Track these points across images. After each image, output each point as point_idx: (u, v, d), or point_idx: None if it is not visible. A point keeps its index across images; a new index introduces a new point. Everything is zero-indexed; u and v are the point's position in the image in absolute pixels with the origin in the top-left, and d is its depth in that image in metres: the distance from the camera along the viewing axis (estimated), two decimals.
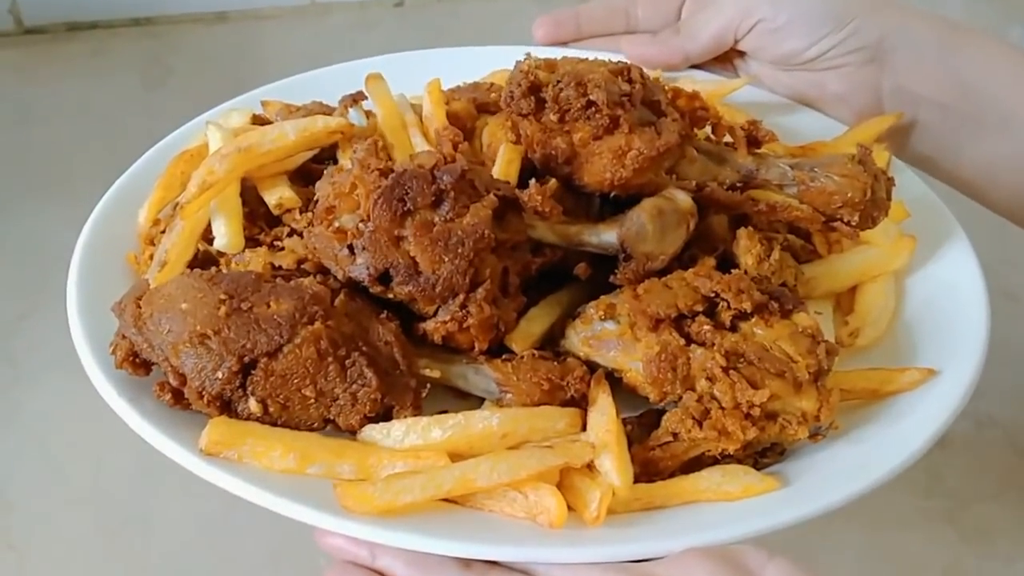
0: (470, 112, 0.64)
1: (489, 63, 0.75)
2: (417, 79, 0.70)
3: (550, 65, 0.59)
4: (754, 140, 0.59)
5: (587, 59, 0.60)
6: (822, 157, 0.58)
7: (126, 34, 1.16)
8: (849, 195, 0.56)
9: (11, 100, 1.06)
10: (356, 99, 0.64)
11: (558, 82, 0.56)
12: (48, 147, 1.01)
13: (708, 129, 0.61)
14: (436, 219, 0.52)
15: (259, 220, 0.60)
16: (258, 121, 0.69)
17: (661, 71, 0.74)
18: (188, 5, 1.16)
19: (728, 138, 0.61)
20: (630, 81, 0.56)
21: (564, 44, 0.80)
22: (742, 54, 0.74)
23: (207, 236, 0.59)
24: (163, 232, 0.61)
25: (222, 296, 0.51)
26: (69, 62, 1.12)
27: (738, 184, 0.58)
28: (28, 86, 1.08)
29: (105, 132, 1.02)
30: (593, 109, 0.55)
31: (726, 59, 0.76)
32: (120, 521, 0.67)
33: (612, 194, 0.57)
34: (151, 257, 0.60)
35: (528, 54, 0.69)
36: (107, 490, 0.69)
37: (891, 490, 0.63)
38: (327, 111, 0.68)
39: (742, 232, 0.57)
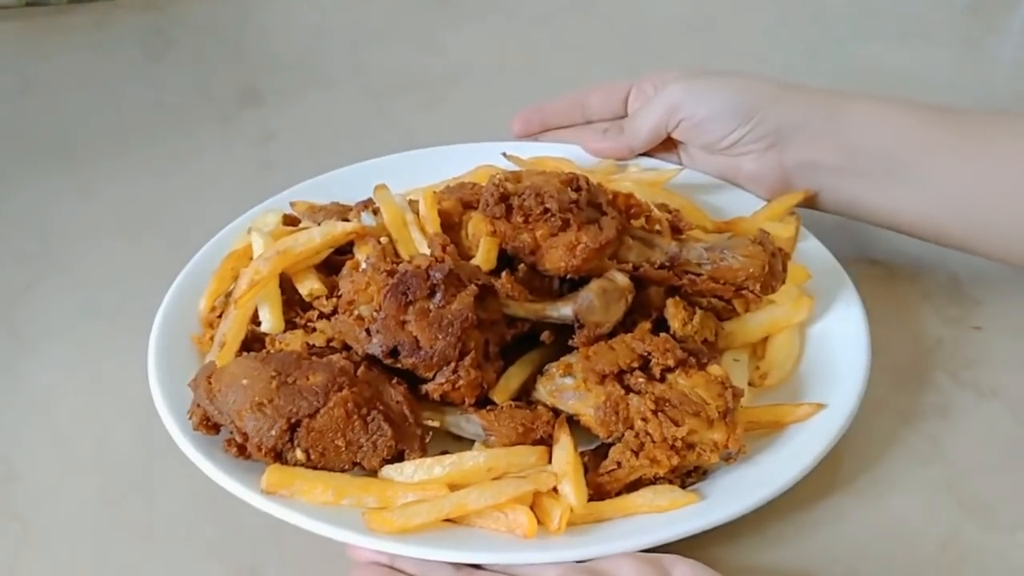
0: (457, 209, 0.79)
1: (472, 159, 0.90)
2: (413, 175, 0.87)
3: (516, 177, 0.75)
4: (676, 228, 0.75)
5: (545, 172, 0.76)
6: (730, 240, 0.74)
7: (129, 6, 1.17)
8: (751, 270, 0.72)
9: (14, 71, 1.07)
10: (367, 204, 0.80)
11: (522, 194, 0.72)
12: (51, 118, 1.01)
13: (643, 220, 0.77)
14: (431, 306, 0.66)
15: (295, 306, 0.75)
16: (288, 220, 0.84)
17: (614, 161, 0.91)
18: None
19: (657, 227, 0.76)
20: (578, 189, 0.72)
21: (535, 136, 0.96)
22: (680, 141, 0.90)
23: (255, 320, 0.74)
24: (219, 317, 0.75)
25: (272, 373, 0.66)
26: (72, 34, 1.11)
27: (666, 264, 0.73)
28: (31, 58, 1.08)
29: (108, 103, 1.04)
30: (549, 214, 0.71)
31: (670, 145, 0.91)
32: (124, 490, 0.69)
33: (567, 277, 0.73)
34: (211, 338, 0.74)
35: (503, 153, 0.87)
36: (110, 460, 0.71)
37: (890, 460, 0.70)
38: (343, 210, 0.84)
39: (670, 301, 0.73)
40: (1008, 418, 0.75)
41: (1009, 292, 0.83)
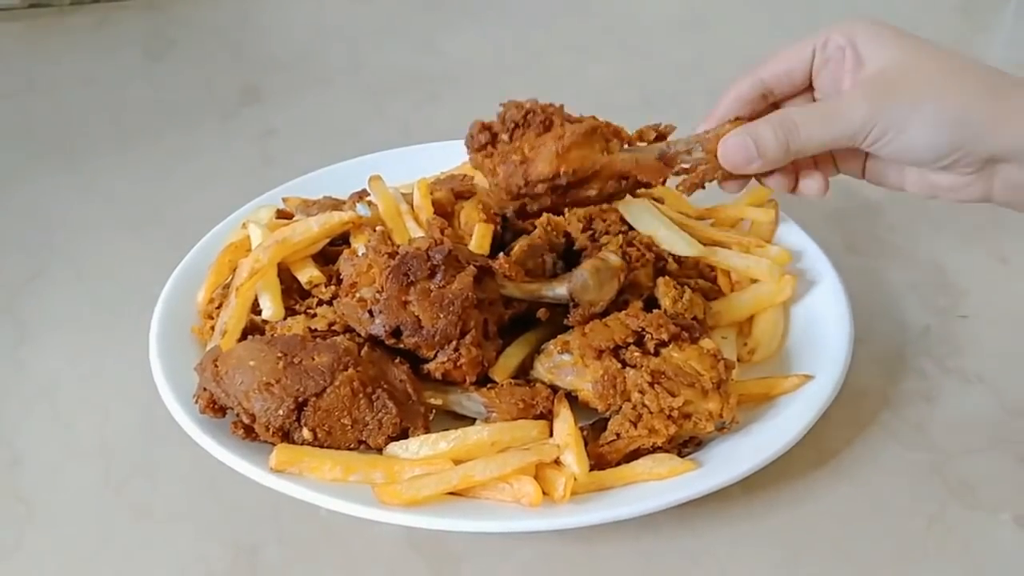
0: (450, 199, 0.82)
1: (461, 154, 0.92)
2: (404, 170, 0.89)
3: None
4: (660, 136, 0.72)
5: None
6: (709, 132, 0.70)
7: (129, 7, 1.21)
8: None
9: (18, 71, 1.11)
10: (362, 196, 0.82)
11: (503, 114, 0.69)
12: (54, 116, 1.05)
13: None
14: (432, 287, 0.68)
15: (294, 294, 0.77)
16: (282, 214, 0.86)
17: None
18: None
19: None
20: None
21: None
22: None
23: (255, 309, 0.76)
24: (218, 308, 0.77)
25: (279, 354, 0.67)
26: (73, 35, 1.15)
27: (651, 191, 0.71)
28: (34, 58, 1.12)
29: (108, 102, 1.07)
30: (531, 114, 0.68)
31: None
32: (126, 473, 0.71)
33: (563, 250, 0.74)
34: (211, 328, 0.76)
35: None
36: (112, 444, 0.73)
37: (876, 442, 0.72)
38: (336, 203, 0.85)
39: (661, 280, 0.76)
40: (993, 403, 0.77)
41: (995, 282, 0.85)
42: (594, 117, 0.70)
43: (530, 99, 0.70)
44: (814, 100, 0.71)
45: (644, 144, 0.72)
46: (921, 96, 0.64)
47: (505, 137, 0.69)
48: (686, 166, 0.71)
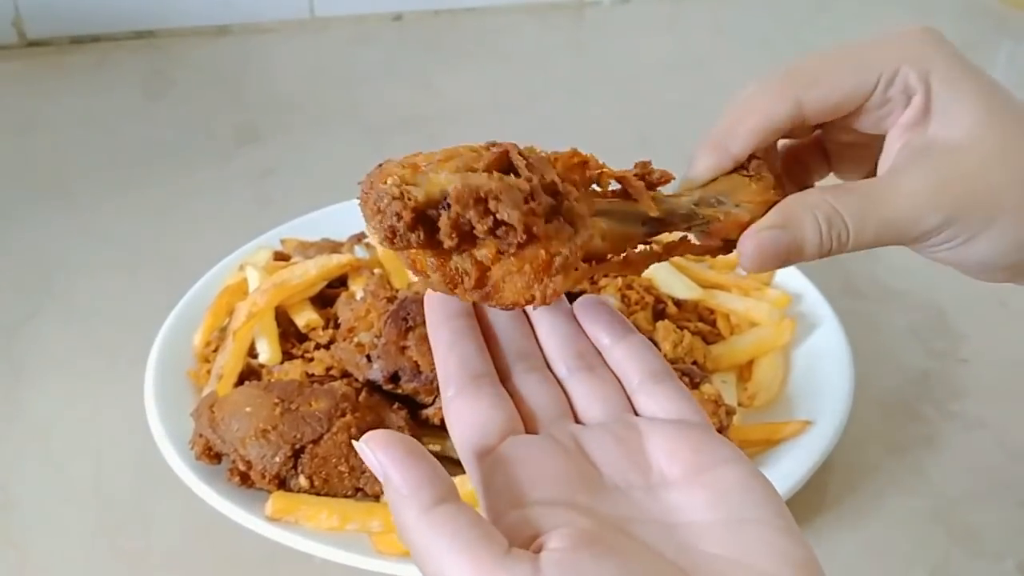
0: None
1: None
2: None
3: (411, 171, 0.40)
4: (651, 184, 0.46)
5: (450, 153, 0.39)
6: (721, 185, 0.48)
7: (128, 47, 1.20)
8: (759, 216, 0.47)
9: (15, 110, 1.10)
10: (360, 238, 0.82)
11: (443, 203, 0.37)
12: (51, 155, 1.04)
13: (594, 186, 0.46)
14: None
15: (291, 338, 0.76)
16: (279, 256, 0.86)
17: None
18: (190, 19, 1.21)
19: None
20: (518, 172, 0.39)
21: None
22: None
23: (252, 352, 0.76)
24: (215, 351, 0.77)
25: (276, 400, 0.67)
26: (72, 74, 1.15)
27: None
28: (32, 97, 1.11)
29: (107, 141, 1.06)
30: (504, 228, 0.38)
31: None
32: (120, 519, 0.70)
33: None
34: (208, 372, 0.76)
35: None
36: (107, 489, 0.72)
37: (878, 488, 0.71)
38: (334, 245, 0.85)
39: (660, 324, 0.75)
40: (995, 448, 0.76)
41: (995, 326, 0.85)
42: (577, 196, 0.41)
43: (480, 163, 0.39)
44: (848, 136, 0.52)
45: (630, 198, 0.44)
46: (1000, 207, 0.48)
47: (452, 243, 0.38)
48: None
